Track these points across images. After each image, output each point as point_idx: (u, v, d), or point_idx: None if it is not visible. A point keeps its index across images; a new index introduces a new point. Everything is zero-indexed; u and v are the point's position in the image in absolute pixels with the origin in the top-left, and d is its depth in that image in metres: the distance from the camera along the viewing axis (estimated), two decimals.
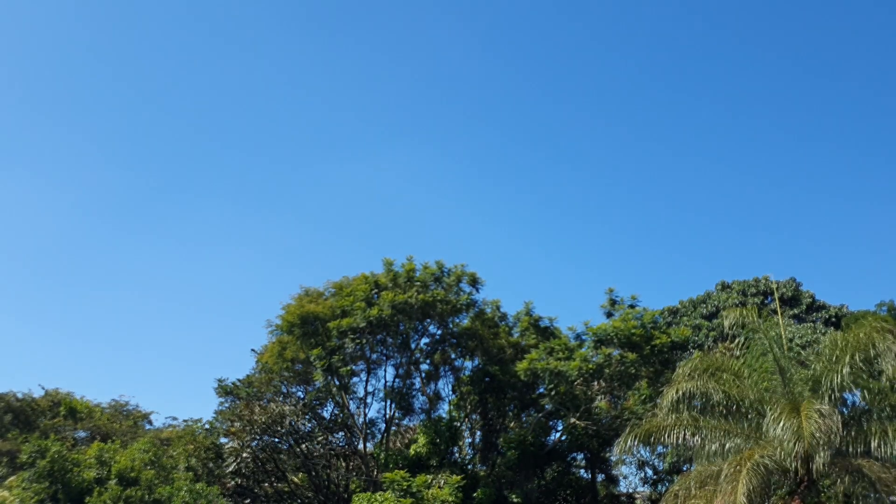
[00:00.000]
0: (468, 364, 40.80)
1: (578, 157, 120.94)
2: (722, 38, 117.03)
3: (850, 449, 21.55)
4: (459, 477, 33.07)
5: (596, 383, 36.04)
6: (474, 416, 41.58)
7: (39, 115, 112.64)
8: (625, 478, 45.45)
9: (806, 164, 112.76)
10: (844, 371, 21.29)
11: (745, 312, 23.72)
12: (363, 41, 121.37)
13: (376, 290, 38.29)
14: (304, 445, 40.47)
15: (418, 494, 31.49)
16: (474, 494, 34.48)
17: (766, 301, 50.82)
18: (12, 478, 35.01)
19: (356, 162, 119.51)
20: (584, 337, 36.95)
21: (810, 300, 51.31)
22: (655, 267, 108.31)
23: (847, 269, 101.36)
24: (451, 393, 41.70)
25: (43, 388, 50.89)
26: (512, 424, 40.74)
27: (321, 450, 41.30)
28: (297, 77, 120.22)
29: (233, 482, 39.88)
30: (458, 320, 38.98)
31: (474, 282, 38.66)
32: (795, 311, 50.48)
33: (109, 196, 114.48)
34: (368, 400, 40.33)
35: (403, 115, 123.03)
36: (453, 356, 41.07)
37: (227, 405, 41.86)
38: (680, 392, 22.89)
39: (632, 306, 37.47)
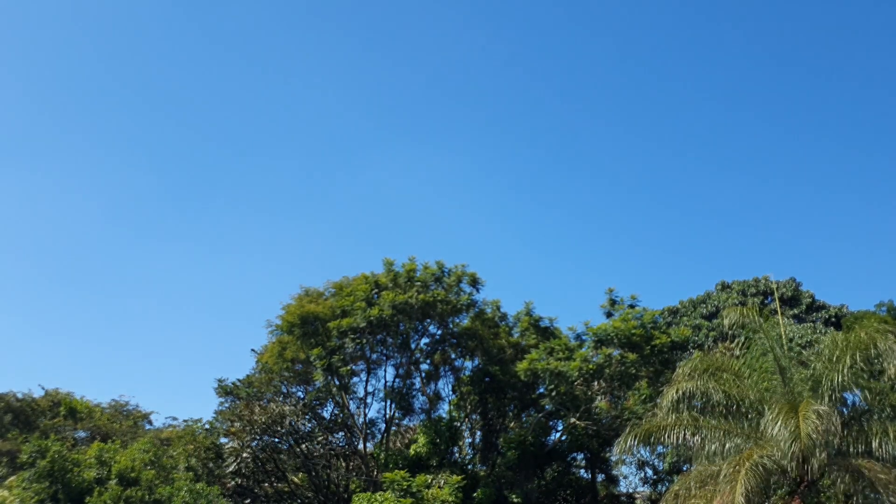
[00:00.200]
0: (468, 364, 40.83)
1: (578, 157, 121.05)
2: (721, 37, 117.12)
3: (851, 449, 21.57)
4: (459, 477, 33.08)
5: (596, 383, 36.03)
6: (474, 416, 41.59)
7: (40, 113, 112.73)
8: (625, 478, 45.49)
9: (806, 163, 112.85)
10: (844, 371, 21.29)
11: (745, 312, 23.74)
12: (363, 41, 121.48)
13: (376, 290, 38.30)
14: (304, 445, 40.47)
15: (418, 494, 31.49)
16: (474, 494, 34.49)
17: (766, 301, 50.81)
18: (12, 478, 35.01)
19: (356, 162, 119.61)
20: (584, 337, 36.98)
21: (810, 300, 51.30)
22: (655, 267, 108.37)
23: (847, 269, 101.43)
24: (451, 393, 41.72)
25: (43, 388, 50.99)
26: (512, 424, 40.75)
27: (321, 450, 41.31)
28: (298, 78, 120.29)
29: (233, 482, 39.88)
30: (458, 320, 38.99)
31: (474, 282, 38.67)
32: (795, 311, 50.46)
33: (109, 197, 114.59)
34: (368, 400, 40.43)
35: (403, 115, 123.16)
36: (453, 356, 41.08)
37: (227, 405, 41.86)
38: (680, 392, 22.90)
39: (632, 306, 37.49)
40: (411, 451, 36.69)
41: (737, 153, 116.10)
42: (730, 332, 29.20)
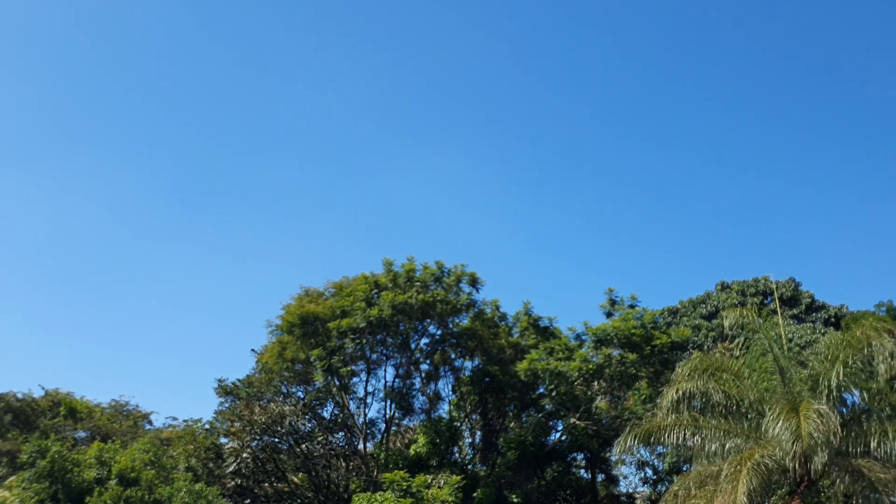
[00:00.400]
0: (468, 364, 40.84)
1: (578, 157, 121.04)
2: (722, 37, 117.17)
3: (850, 449, 21.58)
4: (459, 477, 33.10)
5: (596, 383, 36.04)
6: (474, 416, 41.61)
7: (41, 113, 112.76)
8: (625, 478, 45.53)
9: (806, 163, 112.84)
10: (840, 371, 21.33)
11: (744, 312, 23.79)
12: (362, 40, 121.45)
13: (376, 291, 38.31)
14: (304, 445, 40.49)
15: (418, 494, 31.51)
16: (474, 494, 34.50)
17: (765, 301, 50.85)
18: (12, 478, 35.01)
19: (356, 162, 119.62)
20: (583, 337, 36.96)
21: (810, 300, 51.35)
22: (655, 267, 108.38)
23: (847, 269, 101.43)
24: (451, 393, 41.74)
25: (43, 388, 50.97)
26: (512, 424, 40.77)
27: (321, 450, 41.33)
28: (298, 79, 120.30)
29: (233, 482, 39.89)
30: (457, 320, 39.01)
31: (474, 282, 38.68)
32: (795, 311, 50.51)
33: (110, 197, 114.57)
34: (368, 400, 40.45)
35: (403, 115, 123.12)
36: (453, 356, 41.09)
37: (227, 405, 41.87)
38: (680, 392, 22.92)
39: (632, 306, 37.49)
40: (411, 451, 36.71)
41: (737, 153, 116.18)
42: (729, 333, 29.20)
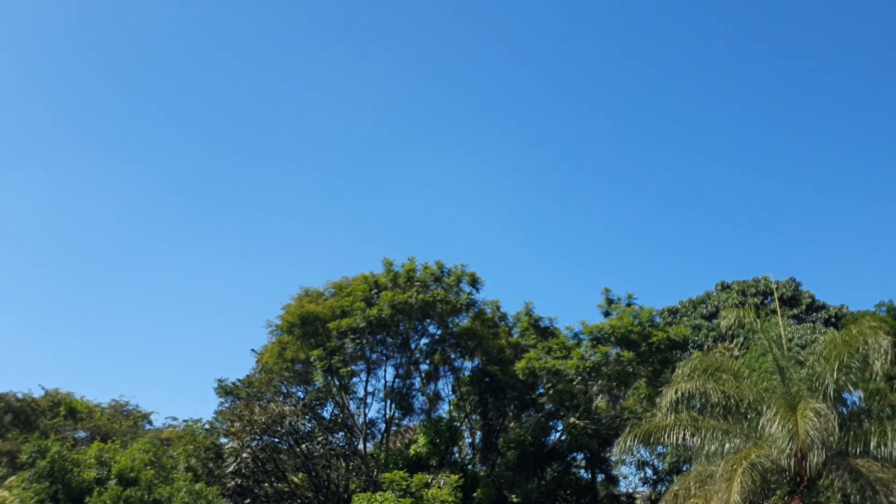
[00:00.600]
0: (468, 364, 40.83)
1: (579, 157, 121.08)
2: (723, 37, 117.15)
3: (850, 449, 21.59)
4: (458, 476, 33.10)
5: (594, 383, 36.03)
6: (474, 417, 41.60)
7: (42, 113, 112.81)
8: (625, 478, 45.56)
9: (806, 163, 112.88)
10: (837, 370, 21.35)
11: (742, 313, 23.80)
12: (362, 40, 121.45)
13: (376, 291, 38.30)
14: (304, 445, 40.49)
15: (417, 494, 31.50)
16: (474, 494, 34.51)
17: (765, 301, 50.87)
18: (12, 478, 35.00)
19: (356, 162, 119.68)
20: (581, 336, 36.98)
21: (810, 300, 51.37)
22: (655, 267, 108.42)
23: (847, 269, 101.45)
24: (451, 393, 41.74)
25: (43, 388, 50.95)
26: (512, 424, 40.76)
27: (321, 450, 41.33)
28: (299, 79, 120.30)
29: (233, 482, 39.91)
30: (457, 320, 38.99)
31: (474, 282, 38.67)
32: (795, 311, 50.53)
33: (110, 197, 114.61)
34: (368, 400, 40.44)
35: (403, 115, 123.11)
36: (453, 356, 41.07)
37: (227, 405, 41.88)
38: (679, 392, 22.93)
39: (629, 304, 37.46)
40: (411, 452, 36.70)
41: (737, 153, 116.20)
42: (729, 333, 29.23)
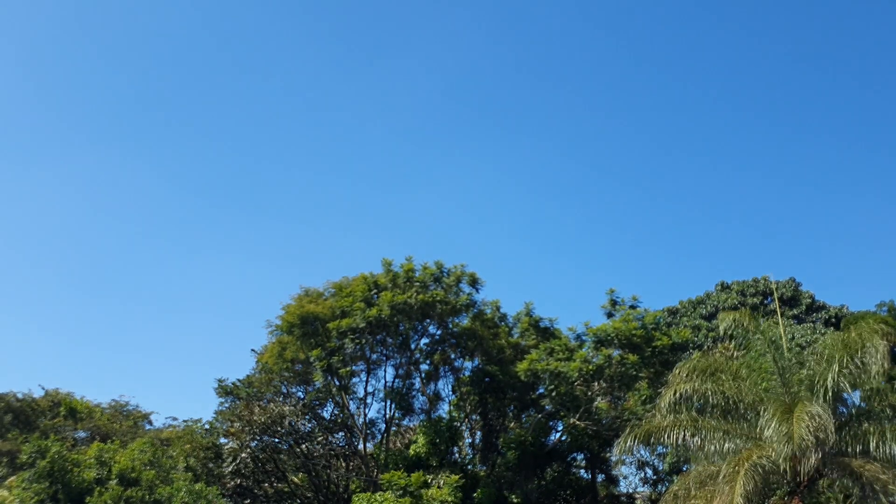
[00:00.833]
0: (468, 364, 40.78)
1: (579, 157, 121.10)
2: (723, 37, 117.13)
3: (849, 449, 21.58)
4: (458, 476, 33.07)
5: (596, 384, 35.99)
6: (474, 417, 41.56)
7: (43, 113, 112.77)
8: (625, 478, 45.52)
9: (806, 163, 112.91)
10: (835, 371, 21.33)
11: (739, 316, 23.80)
12: (362, 40, 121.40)
13: (376, 291, 38.27)
14: (304, 446, 40.48)
15: (417, 494, 31.47)
16: (474, 495, 34.48)
17: (765, 301, 50.82)
18: (12, 478, 35.04)
19: (356, 163, 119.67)
20: (584, 337, 36.86)
21: (810, 300, 51.29)
22: (655, 267, 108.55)
23: (847, 269, 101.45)
24: (450, 393, 41.70)
25: (43, 388, 51.04)
26: (512, 425, 40.72)
27: (321, 450, 41.31)
28: (299, 80, 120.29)
29: (232, 482, 39.89)
30: (457, 320, 38.95)
31: (474, 282, 38.63)
32: (795, 311, 50.45)
33: (110, 197, 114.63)
34: (368, 400, 40.42)
35: (403, 115, 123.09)
36: (453, 356, 41.04)
37: (226, 405, 41.87)
38: (678, 393, 22.92)
39: (633, 307, 37.36)
40: (411, 452, 36.67)
41: (737, 153, 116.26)
42: (729, 334, 29.23)
